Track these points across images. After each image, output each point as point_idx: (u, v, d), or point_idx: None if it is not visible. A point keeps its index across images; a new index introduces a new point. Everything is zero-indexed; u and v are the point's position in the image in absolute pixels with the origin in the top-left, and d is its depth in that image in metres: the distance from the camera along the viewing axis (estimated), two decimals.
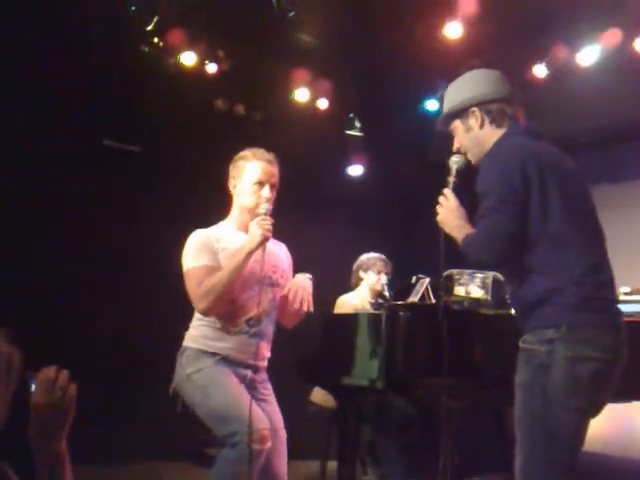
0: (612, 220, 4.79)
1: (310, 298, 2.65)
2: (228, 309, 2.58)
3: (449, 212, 2.21)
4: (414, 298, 4.02)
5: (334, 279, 4.55)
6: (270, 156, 2.70)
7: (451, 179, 2.28)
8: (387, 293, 4.38)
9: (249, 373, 2.63)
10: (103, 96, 4.67)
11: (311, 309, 2.66)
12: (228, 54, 5.03)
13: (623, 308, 3.26)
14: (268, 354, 2.74)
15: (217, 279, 2.50)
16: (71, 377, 1.28)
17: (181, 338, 2.68)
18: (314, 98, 5.44)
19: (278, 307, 2.75)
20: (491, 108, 2.20)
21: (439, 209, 2.23)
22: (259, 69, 5.04)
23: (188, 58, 4.93)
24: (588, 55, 4.54)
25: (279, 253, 2.78)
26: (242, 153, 2.71)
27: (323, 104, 5.49)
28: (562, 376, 1.91)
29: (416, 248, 5.01)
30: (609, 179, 4.70)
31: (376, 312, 3.97)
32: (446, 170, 2.30)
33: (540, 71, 4.77)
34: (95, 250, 4.64)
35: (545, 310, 1.98)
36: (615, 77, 4.41)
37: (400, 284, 4.40)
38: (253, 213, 2.61)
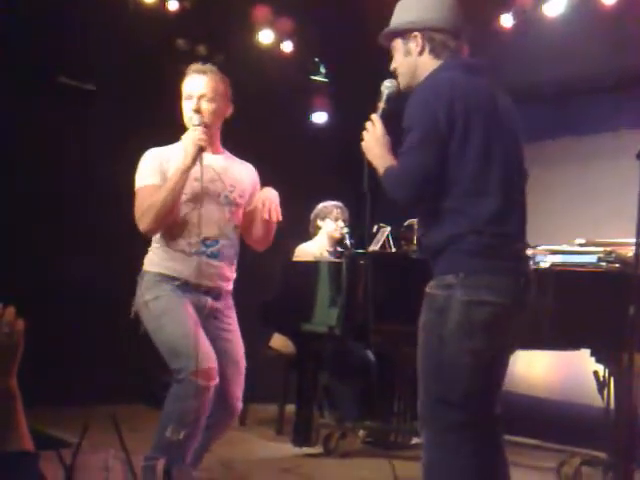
0: (575, 173, 4.85)
1: (278, 209, 2.61)
2: (181, 228, 2.54)
3: (374, 139, 2.13)
4: (374, 247, 4.05)
5: (295, 227, 4.54)
6: (201, 66, 2.63)
7: (380, 105, 2.20)
8: (348, 242, 4.40)
9: (209, 301, 2.60)
10: (60, 33, 4.49)
11: (280, 218, 2.62)
12: None
13: (578, 259, 3.36)
14: (232, 275, 2.68)
15: (155, 198, 2.47)
16: (22, 315, 1.26)
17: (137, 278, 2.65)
18: (278, 41, 5.32)
19: (243, 227, 2.70)
20: (434, 37, 2.10)
21: (365, 135, 2.15)
22: (222, 8, 4.88)
23: None
24: (555, 6, 4.52)
25: (239, 172, 2.71)
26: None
27: (288, 47, 5.38)
28: (457, 319, 1.95)
29: (379, 197, 5.00)
30: (572, 132, 4.70)
31: (337, 260, 3.99)
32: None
33: (506, 21, 4.74)
34: (48, 189, 4.53)
35: (446, 257, 2.02)
36: (581, 29, 4.40)
37: (361, 233, 4.42)
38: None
